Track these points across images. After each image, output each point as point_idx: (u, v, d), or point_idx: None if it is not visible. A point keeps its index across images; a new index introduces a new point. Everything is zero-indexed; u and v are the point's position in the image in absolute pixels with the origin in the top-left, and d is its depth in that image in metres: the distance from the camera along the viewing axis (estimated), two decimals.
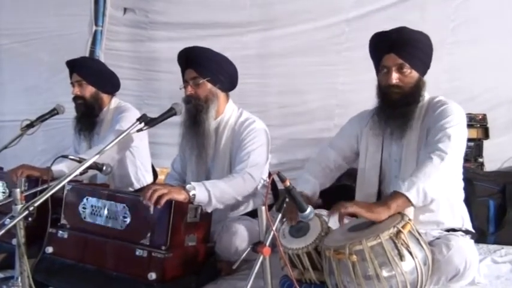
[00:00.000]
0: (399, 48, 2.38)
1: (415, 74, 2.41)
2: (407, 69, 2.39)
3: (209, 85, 2.84)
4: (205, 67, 2.83)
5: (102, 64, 3.80)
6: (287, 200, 2.00)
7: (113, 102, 3.48)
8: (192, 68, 2.84)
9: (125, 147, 3.27)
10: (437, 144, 2.23)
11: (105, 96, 3.46)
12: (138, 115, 3.22)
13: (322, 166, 2.62)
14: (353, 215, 2.15)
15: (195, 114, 2.82)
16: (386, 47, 2.41)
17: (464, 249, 2.15)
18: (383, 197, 2.41)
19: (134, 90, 4.60)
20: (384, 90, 2.44)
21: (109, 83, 3.50)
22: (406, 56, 2.38)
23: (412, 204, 2.09)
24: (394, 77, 2.38)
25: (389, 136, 2.46)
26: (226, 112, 2.94)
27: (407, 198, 2.08)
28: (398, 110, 2.40)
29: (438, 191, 2.16)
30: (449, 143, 2.22)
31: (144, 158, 3.54)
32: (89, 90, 3.39)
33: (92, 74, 3.41)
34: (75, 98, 3.39)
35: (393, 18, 4.01)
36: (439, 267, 2.10)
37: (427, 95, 2.48)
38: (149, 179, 3.59)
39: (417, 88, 2.42)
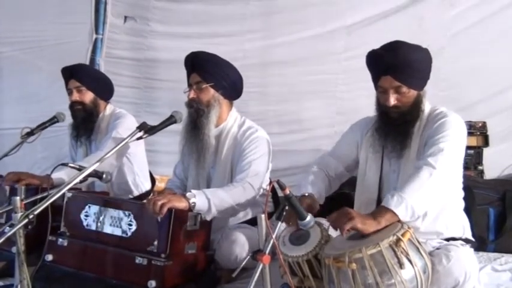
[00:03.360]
0: (396, 71, 2.33)
1: (413, 93, 2.38)
2: (406, 90, 2.35)
3: (212, 90, 2.85)
4: (209, 72, 2.85)
5: (99, 71, 3.81)
6: (287, 208, 2.00)
7: (108, 109, 3.50)
8: (196, 73, 2.86)
9: (122, 154, 3.28)
10: (427, 158, 2.20)
11: (101, 103, 3.47)
12: (134, 121, 3.26)
13: (324, 173, 2.62)
14: None
15: (196, 118, 2.84)
16: (383, 68, 2.36)
17: (464, 260, 2.13)
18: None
19: (134, 98, 4.62)
20: (383, 109, 2.43)
21: (107, 89, 3.52)
22: (403, 77, 2.33)
23: (399, 220, 2.07)
24: (392, 99, 2.35)
25: (389, 151, 2.45)
26: (229, 120, 2.95)
27: (395, 213, 2.06)
28: (398, 128, 2.39)
29: (426, 206, 2.15)
30: (439, 157, 2.19)
31: (141, 164, 3.55)
32: (89, 96, 3.40)
33: (91, 80, 3.43)
34: (74, 104, 3.39)
35: (392, 28, 4.05)
36: (438, 278, 2.09)
37: (427, 105, 2.46)
38: (147, 185, 3.59)
39: (416, 105, 2.39)
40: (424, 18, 4.08)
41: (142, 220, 2.44)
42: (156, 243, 2.37)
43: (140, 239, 2.42)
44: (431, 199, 2.17)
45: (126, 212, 2.48)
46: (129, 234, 2.46)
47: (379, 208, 2.13)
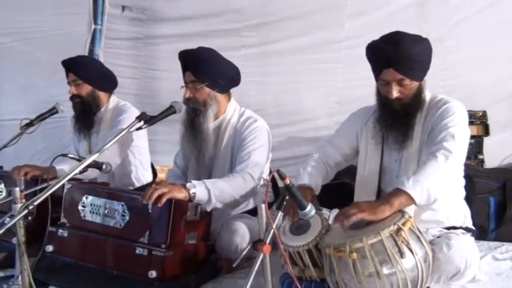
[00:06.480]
0: (398, 64, 2.31)
1: (415, 84, 2.37)
2: (408, 82, 2.34)
3: (207, 89, 2.83)
4: (203, 72, 2.81)
5: (98, 62, 3.78)
6: (287, 197, 2.00)
7: (112, 101, 3.47)
8: (190, 72, 2.82)
9: (125, 149, 3.27)
10: (442, 143, 2.21)
11: (102, 95, 3.44)
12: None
13: (323, 162, 2.62)
14: None
15: (194, 117, 2.83)
16: (385, 62, 2.33)
17: (465, 248, 2.15)
18: (382, 195, 2.40)
19: (133, 89, 4.59)
20: (385, 101, 2.42)
21: (105, 81, 3.48)
22: (405, 70, 2.32)
23: (415, 203, 2.08)
24: (395, 91, 2.34)
25: (391, 142, 2.44)
26: (228, 111, 2.94)
27: (410, 196, 2.06)
28: (401, 120, 2.39)
29: (442, 190, 2.14)
30: (453, 142, 2.20)
31: (144, 157, 3.54)
32: (86, 89, 3.38)
33: (87, 72, 3.40)
34: (72, 97, 3.38)
35: (392, 16, 4.03)
36: (439, 266, 2.10)
37: (427, 94, 2.45)
38: (149, 177, 3.59)
39: (418, 95, 2.39)
40: (425, 8, 4.06)
41: (134, 211, 2.44)
42: (147, 234, 2.37)
43: (132, 230, 2.42)
44: (447, 183, 2.17)
45: (120, 203, 2.48)
46: (122, 225, 2.46)
47: (394, 190, 2.11)
